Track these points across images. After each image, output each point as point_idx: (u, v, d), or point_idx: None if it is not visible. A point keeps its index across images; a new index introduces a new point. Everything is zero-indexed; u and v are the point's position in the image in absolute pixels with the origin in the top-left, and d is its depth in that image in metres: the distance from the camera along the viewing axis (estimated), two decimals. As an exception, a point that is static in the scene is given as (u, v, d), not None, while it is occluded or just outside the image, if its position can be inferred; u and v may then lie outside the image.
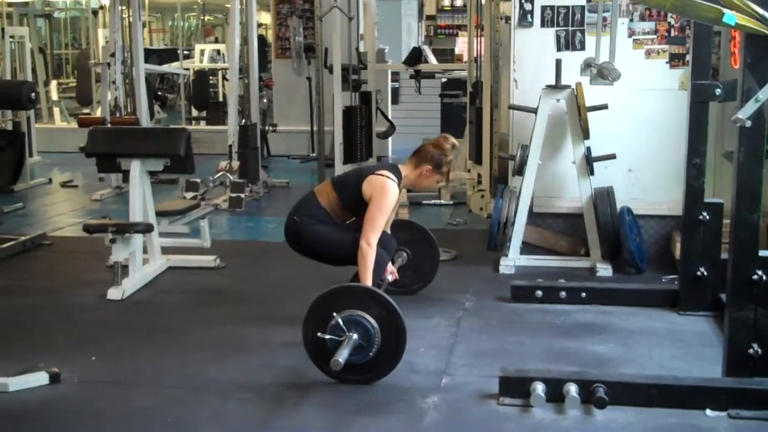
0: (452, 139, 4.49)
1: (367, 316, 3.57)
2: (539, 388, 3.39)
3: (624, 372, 3.77)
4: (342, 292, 3.73)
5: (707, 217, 4.37)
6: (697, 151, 4.39)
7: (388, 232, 4.57)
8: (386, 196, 4.20)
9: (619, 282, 5.15)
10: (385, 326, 3.58)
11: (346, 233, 4.37)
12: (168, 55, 15.85)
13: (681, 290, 4.60)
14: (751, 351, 3.37)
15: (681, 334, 4.30)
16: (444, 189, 4.54)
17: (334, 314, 3.57)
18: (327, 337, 3.56)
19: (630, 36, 5.55)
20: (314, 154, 9.73)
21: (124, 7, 8.60)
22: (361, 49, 8.39)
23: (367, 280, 4.05)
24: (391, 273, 4.52)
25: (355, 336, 3.55)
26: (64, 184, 8.98)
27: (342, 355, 3.45)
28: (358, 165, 7.72)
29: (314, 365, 3.67)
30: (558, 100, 5.46)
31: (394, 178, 4.28)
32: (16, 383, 3.61)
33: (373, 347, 3.57)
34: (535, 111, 5.47)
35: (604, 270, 5.34)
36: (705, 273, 4.44)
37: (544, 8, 5.62)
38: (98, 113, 10.04)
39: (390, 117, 8.86)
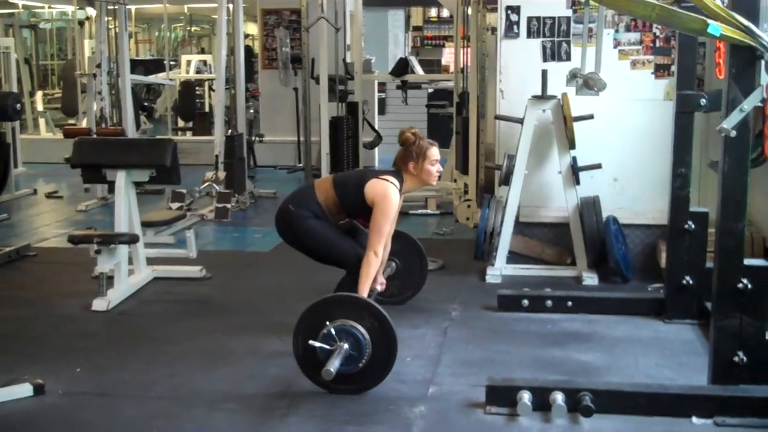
0: (409, 130, 4.43)
1: (359, 327, 3.57)
2: (526, 396, 3.39)
3: (610, 380, 3.78)
4: (335, 301, 3.72)
5: (692, 227, 4.40)
6: (683, 160, 4.42)
7: (389, 243, 4.56)
8: (389, 203, 4.18)
9: (605, 291, 5.16)
10: (377, 338, 3.58)
11: (345, 240, 4.36)
12: (154, 66, 15.82)
13: (667, 299, 4.62)
14: (736, 359, 3.38)
15: (667, 343, 4.31)
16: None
17: (327, 323, 3.56)
18: (318, 345, 3.55)
19: (615, 47, 5.58)
20: (301, 165, 9.73)
21: (110, 18, 8.59)
22: (348, 60, 8.42)
23: (365, 289, 4.05)
24: (381, 284, 4.52)
25: (346, 346, 3.54)
26: (49, 195, 8.94)
27: (333, 365, 3.44)
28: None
29: (303, 374, 3.66)
30: (544, 111, 5.48)
31: (396, 184, 4.27)
32: (1, 395, 3.58)
33: (363, 358, 3.57)
34: (521, 121, 5.49)
35: (590, 279, 5.35)
36: (690, 282, 4.46)
37: (530, 19, 5.65)
38: (84, 124, 9.99)
39: (377, 127, 8.88)
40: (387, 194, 4.20)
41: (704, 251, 4.41)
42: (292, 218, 4.32)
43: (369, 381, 3.64)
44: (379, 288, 4.46)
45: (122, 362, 4.09)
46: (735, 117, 3.15)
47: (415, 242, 4.95)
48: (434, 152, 4.35)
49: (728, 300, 3.37)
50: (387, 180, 4.25)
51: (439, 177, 4.48)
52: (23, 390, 3.64)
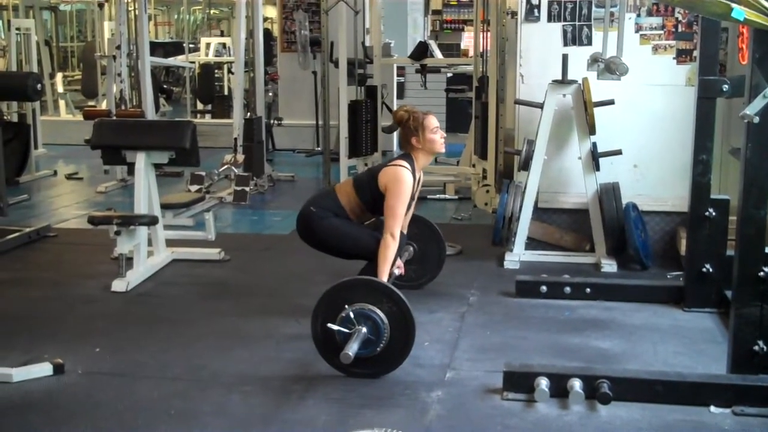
0: (401, 108, 4.44)
1: (378, 311, 3.57)
2: (543, 383, 3.39)
3: (628, 368, 3.77)
4: (354, 284, 3.72)
5: (713, 214, 4.36)
6: (704, 147, 4.38)
7: (406, 227, 4.56)
8: (401, 184, 4.19)
9: (623, 278, 5.14)
10: (395, 322, 3.58)
11: (363, 229, 4.38)
12: (173, 49, 15.85)
13: (686, 287, 4.59)
14: (756, 348, 3.36)
15: (686, 331, 4.29)
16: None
17: (346, 306, 3.57)
18: (336, 328, 3.55)
19: (637, 31, 5.52)
20: (319, 148, 9.73)
21: (130, 0, 8.59)
22: (367, 44, 8.38)
23: (384, 272, 4.05)
24: (398, 267, 4.51)
25: (365, 329, 3.55)
26: (69, 177, 8.99)
27: (352, 349, 3.44)
28: (364, 159, 7.74)
29: (320, 357, 3.67)
30: (564, 95, 5.44)
31: (407, 165, 4.27)
32: (20, 374, 3.61)
33: (381, 342, 3.57)
34: (541, 106, 5.46)
35: (609, 266, 5.33)
36: (710, 269, 4.43)
37: (551, 3, 5.60)
38: (104, 106, 10.04)
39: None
40: (397, 176, 4.21)
41: (725, 239, 4.37)
42: (312, 218, 4.34)
43: (387, 365, 3.64)
44: (397, 272, 4.46)
45: (141, 343, 4.11)
46: (758, 103, 3.11)
47: (432, 226, 4.94)
48: (431, 120, 4.37)
49: (749, 288, 3.34)
50: (397, 164, 4.27)
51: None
52: (43, 369, 3.67)
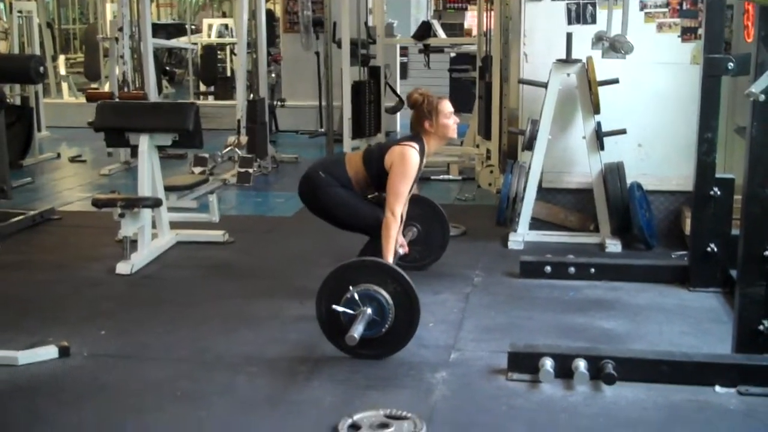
0: (416, 91, 4.41)
1: (383, 291, 3.57)
2: (548, 363, 3.38)
3: (633, 348, 3.77)
4: (358, 266, 3.72)
5: (718, 193, 4.35)
6: (709, 125, 4.36)
7: (407, 206, 4.56)
8: (407, 164, 4.18)
9: (628, 258, 5.13)
10: (400, 302, 3.58)
11: (366, 204, 4.37)
12: (176, 30, 15.80)
13: (691, 266, 4.58)
14: (761, 327, 3.36)
15: (691, 311, 4.29)
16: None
17: (351, 287, 3.56)
18: (341, 310, 3.55)
19: (641, 9, 5.48)
20: (323, 129, 9.71)
21: (132, -18, 8.55)
22: (370, 24, 8.36)
23: (389, 252, 4.05)
24: (402, 246, 4.51)
25: (369, 311, 3.54)
26: (72, 159, 8.98)
27: (357, 330, 3.44)
28: (367, 140, 7.72)
29: (325, 338, 3.67)
30: (568, 75, 5.42)
31: (416, 146, 4.25)
32: (26, 357, 3.62)
33: (386, 323, 3.57)
34: (545, 85, 5.43)
35: (614, 246, 5.32)
36: (715, 249, 4.42)
37: (555, -19, 5.57)
38: (106, 88, 10.02)
39: (399, 92, 8.82)
40: (405, 155, 4.20)
41: (730, 218, 4.36)
42: (319, 184, 4.32)
43: (392, 346, 3.64)
44: (401, 251, 4.46)
45: (146, 325, 4.12)
46: (763, 81, 3.08)
47: (435, 206, 4.93)
48: (446, 105, 4.34)
49: (754, 268, 3.34)
50: (407, 144, 4.25)
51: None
52: (49, 352, 3.68)
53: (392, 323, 3.58)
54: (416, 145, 4.26)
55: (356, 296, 3.55)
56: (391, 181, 4.18)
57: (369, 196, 4.45)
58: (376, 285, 3.58)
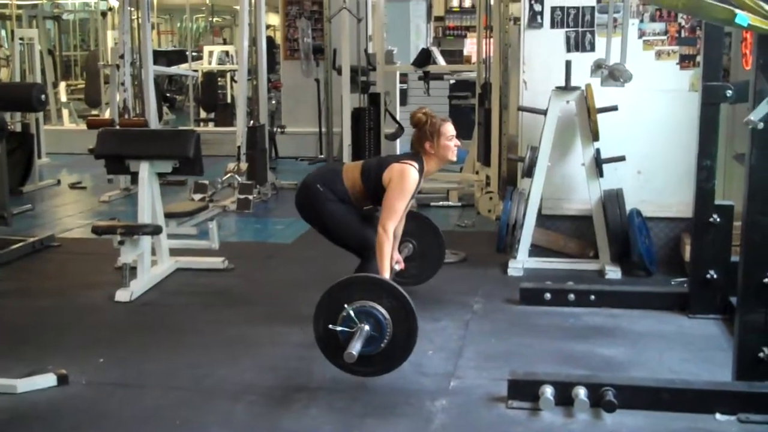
0: (420, 110, 4.41)
1: (379, 307, 3.55)
2: (548, 391, 3.37)
3: (633, 375, 3.76)
4: (352, 282, 3.70)
5: (718, 220, 4.35)
6: (708, 152, 4.37)
7: (403, 224, 4.56)
8: (406, 182, 4.19)
9: (628, 285, 5.12)
10: (397, 317, 3.55)
11: (361, 226, 4.36)
12: (177, 57, 15.88)
13: (691, 293, 4.57)
14: (761, 354, 3.34)
15: (691, 338, 4.28)
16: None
17: (346, 306, 3.54)
18: (338, 329, 3.53)
19: (640, 37, 5.52)
20: (323, 156, 9.73)
21: (133, 9, 8.61)
22: (370, 51, 8.38)
23: (384, 268, 4.04)
24: (398, 262, 4.50)
25: (367, 327, 3.52)
26: (72, 186, 8.99)
27: (355, 348, 3.41)
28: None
29: (325, 366, 3.64)
30: (567, 102, 5.44)
31: (416, 165, 4.26)
32: (25, 385, 3.61)
33: (384, 338, 3.54)
34: (544, 113, 5.45)
35: (613, 272, 5.32)
36: (715, 276, 4.42)
37: (553, 9, 5.60)
38: (107, 115, 10.04)
39: (399, 119, 8.84)
40: (404, 173, 4.21)
41: (729, 245, 4.36)
42: (317, 198, 4.33)
43: (391, 361, 3.60)
44: (397, 267, 4.45)
45: (145, 353, 4.11)
46: (762, 109, 3.09)
47: (431, 223, 4.95)
48: (449, 128, 4.35)
49: (754, 295, 3.33)
50: (406, 162, 4.26)
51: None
52: (47, 380, 3.66)
53: (391, 338, 3.54)
54: (416, 164, 4.27)
55: (352, 313, 3.52)
56: (388, 197, 4.18)
57: (365, 208, 4.45)
58: (372, 301, 3.56)
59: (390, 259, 4.19)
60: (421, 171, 4.30)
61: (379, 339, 3.55)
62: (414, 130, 4.40)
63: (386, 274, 4.02)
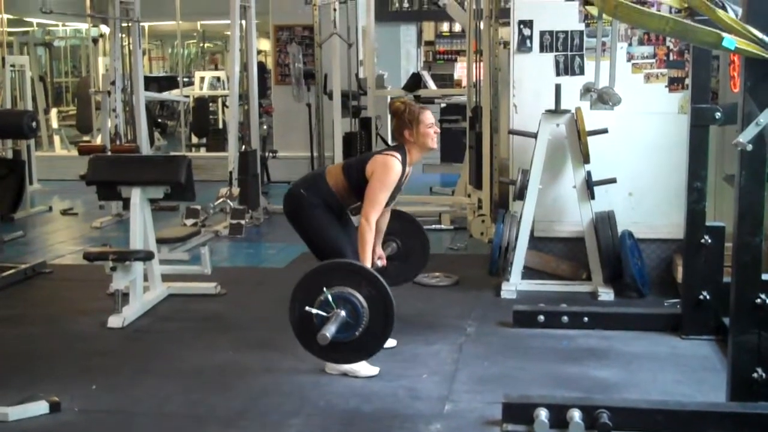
0: (399, 99, 4.43)
1: (357, 294, 3.54)
2: (543, 414, 3.36)
3: (628, 397, 3.76)
4: (333, 268, 3.68)
5: (709, 241, 4.37)
6: (698, 174, 4.40)
7: (388, 218, 4.54)
8: (388, 172, 4.16)
9: (621, 306, 5.13)
10: (374, 306, 3.54)
11: (347, 241, 4.30)
12: (168, 83, 15.91)
13: (683, 314, 4.58)
14: (755, 375, 3.34)
15: (684, 359, 4.28)
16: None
17: (324, 290, 3.53)
18: (314, 311, 3.51)
19: (629, 60, 5.57)
20: (314, 180, 9.72)
21: (124, 35, 8.63)
22: (361, 75, 8.44)
23: (366, 258, 4.02)
24: (380, 258, 4.49)
25: (343, 313, 3.50)
26: (64, 212, 8.97)
27: (329, 330, 3.40)
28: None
29: (319, 391, 3.64)
30: (558, 125, 5.47)
31: (399, 156, 4.23)
32: (16, 412, 3.59)
33: (360, 326, 3.53)
34: (535, 136, 5.48)
35: (606, 294, 5.33)
36: (707, 297, 4.43)
37: (542, 33, 5.65)
38: (98, 141, 10.03)
39: (390, 143, 8.88)
40: (387, 164, 4.18)
41: (721, 266, 4.38)
42: (303, 204, 4.29)
43: (366, 350, 3.60)
44: (379, 263, 4.43)
45: (137, 379, 4.09)
46: (751, 131, 3.12)
47: (415, 221, 4.94)
48: (427, 115, 4.32)
49: (746, 315, 3.33)
50: (389, 154, 4.24)
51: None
52: (39, 408, 3.64)
53: (366, 326, 3.53)
54: (398, 155, 4.24)
55: (330, 298, 3.51)
56: (370, 187, 4.15)
57: (351, 207, 4.43)
58: (351, 287, 3.55)
59: (372, 252, 4.17)
60: (404, 162, 4.27)
61: (354, 326, 3.53)
62: (394, 121, 4.35)
63: (368, 264, 3.99)
